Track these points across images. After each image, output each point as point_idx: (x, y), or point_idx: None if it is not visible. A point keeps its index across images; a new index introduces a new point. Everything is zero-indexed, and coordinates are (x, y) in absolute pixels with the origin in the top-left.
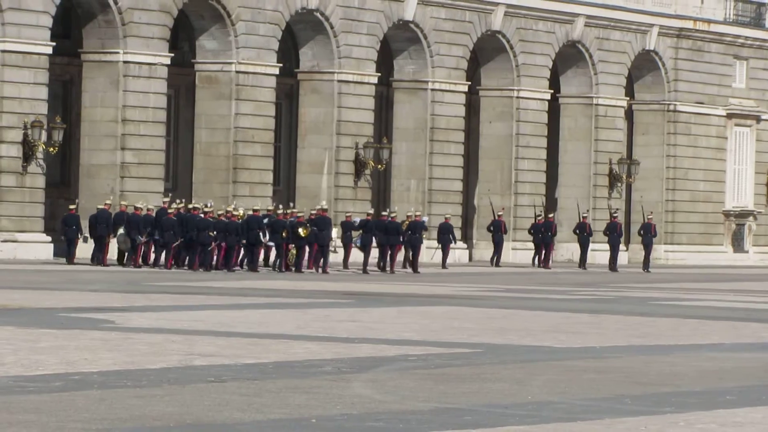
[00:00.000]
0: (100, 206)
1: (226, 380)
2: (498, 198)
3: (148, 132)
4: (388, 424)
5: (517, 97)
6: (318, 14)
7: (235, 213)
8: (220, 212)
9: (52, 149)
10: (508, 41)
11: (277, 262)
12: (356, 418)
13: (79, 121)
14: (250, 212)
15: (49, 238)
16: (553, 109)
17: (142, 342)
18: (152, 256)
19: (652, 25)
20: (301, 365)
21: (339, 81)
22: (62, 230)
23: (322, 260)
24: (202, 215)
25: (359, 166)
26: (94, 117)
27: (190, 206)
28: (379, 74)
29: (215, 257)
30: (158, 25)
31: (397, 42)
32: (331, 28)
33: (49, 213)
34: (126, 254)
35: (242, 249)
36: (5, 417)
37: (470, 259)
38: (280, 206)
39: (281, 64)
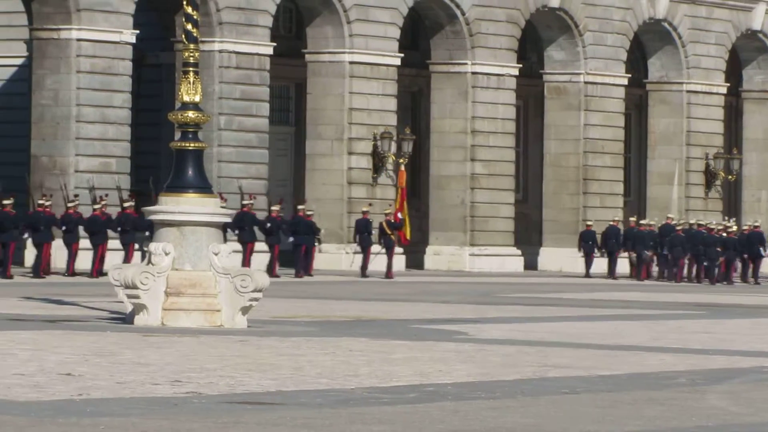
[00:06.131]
0: (611, 222)
1: (580, 392)
2: None
3: (497, 143)
4: None
5: None
6: (666, 24)
7: (730, 229)
8: (719, 228)
9: (402, 160)
10: None
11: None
12: (711, 430)
13: (428, 132)
14: (745, 227)
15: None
16: None
17: (496, 353)
18: (654, 269)
19: None
20: (655, 377)
21: (688, 91)
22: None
23: None
24: (706, 231)
25: (709, 177)
26: (443, 128)
27: (693, 221)
28: (728, 84)
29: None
30: (506, 35)
31: (746, 52)
32: (679, 38)
33: None
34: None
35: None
36: (360, 428)
37: None
38: None
39: (630, 75)
